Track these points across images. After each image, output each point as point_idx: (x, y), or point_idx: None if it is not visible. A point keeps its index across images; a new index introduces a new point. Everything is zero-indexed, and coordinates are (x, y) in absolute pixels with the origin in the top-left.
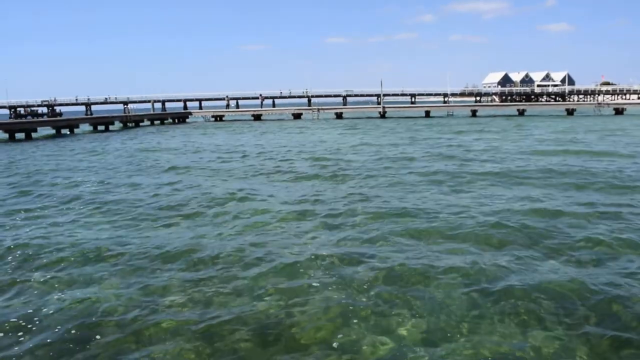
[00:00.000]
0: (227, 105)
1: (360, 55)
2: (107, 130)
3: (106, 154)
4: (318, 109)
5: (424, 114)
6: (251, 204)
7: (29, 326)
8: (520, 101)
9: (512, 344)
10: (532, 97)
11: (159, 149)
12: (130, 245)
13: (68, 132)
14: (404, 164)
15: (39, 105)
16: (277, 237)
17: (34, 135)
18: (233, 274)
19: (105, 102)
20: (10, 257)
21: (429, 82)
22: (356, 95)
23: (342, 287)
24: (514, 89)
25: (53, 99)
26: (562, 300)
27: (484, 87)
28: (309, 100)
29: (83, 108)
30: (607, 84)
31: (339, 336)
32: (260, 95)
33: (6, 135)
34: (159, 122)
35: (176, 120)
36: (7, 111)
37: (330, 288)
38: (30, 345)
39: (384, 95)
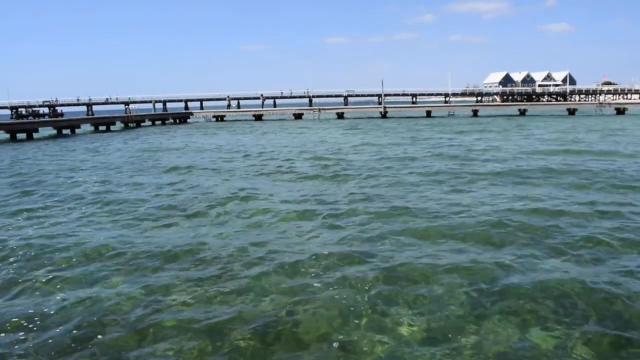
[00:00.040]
0: (229, 106)
1: (361, 55)
2: (108, 130)
3: (108, 154)
4: (319, 109)
5: (425, 114)
6: (253, 203)
7: (33, 325)
8: (522, 101)
9: (512, 342)
10: (534, 97)
11: (161, 149)
12: (132, 244)
13: (69, 133)
14: (405, 163)
15: (40, 106)
16: (279, 236)
17: (35, 135)
18: (235, 273)
19: (106, 103)
20: (13, 257)
21: (429, 82)
22: (357, 95)
23: (343, 286)
24: (515, 89)
25: (54, 99)
26: (562, 299)
27: (485, 87)
28: (310, 101)
29: (84, 108)
30: (609, 83)
31: (340, 335)
32: (262, 95)
33: (8, 136)
34: (160, 122)
35: (177, 121)
36: (8, 111)
37: (331, 287)
38: (34, 344)
39: (385, 95)
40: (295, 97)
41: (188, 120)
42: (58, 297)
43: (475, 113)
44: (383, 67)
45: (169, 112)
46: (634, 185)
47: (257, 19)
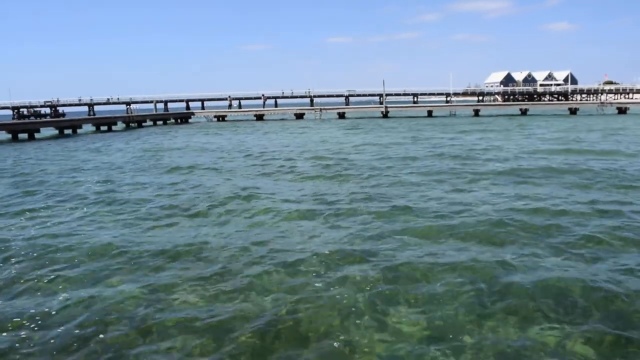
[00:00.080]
0: (230, 106)
1: (362, 55)
2: (109, 130)
3: (110, 154)
4: (320, 109)
5: (426, 114)
6: (254, 203)
7: (35, 324)
8: (523, 100)
9: (513, 341)
10: (535, 96)
11: (162, 149)
12: (134, 244)
13: (71, 133)
14: (407, 163)
15: (42, 106)
16: (280, 235)
17: (37, 135)
18: (236, 272)
19: (107, 103)
20: (16, 257)
21: (430, 81)
22: (358, 95)
23: (344, 285)
24: (517, 89)
25: (56, 99)
26: (563, 297)
27: (487, 86)
28: (312, 100)
29: (86, 108)
30: (610, 83)
31: (341, 334)
32: (263, 95)
33: (9, 136)
34: (161, 122)
35: (179, 121)
36: (10, 112)
37: (332, 286)
38: (37, 343)
39: (387, 95)
40: (296, 97)
41: (189, 120)
42: (61, 297)
43: (476, 113)
44: (384, 67)
45: (170, 112)
46: (635, 185)
47: (257, 19)
